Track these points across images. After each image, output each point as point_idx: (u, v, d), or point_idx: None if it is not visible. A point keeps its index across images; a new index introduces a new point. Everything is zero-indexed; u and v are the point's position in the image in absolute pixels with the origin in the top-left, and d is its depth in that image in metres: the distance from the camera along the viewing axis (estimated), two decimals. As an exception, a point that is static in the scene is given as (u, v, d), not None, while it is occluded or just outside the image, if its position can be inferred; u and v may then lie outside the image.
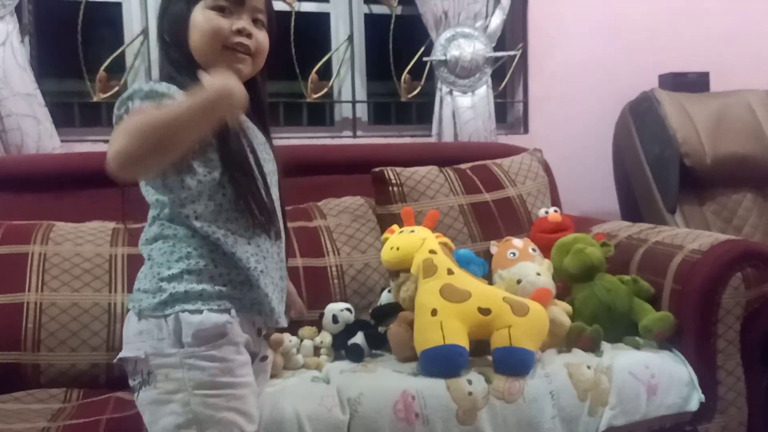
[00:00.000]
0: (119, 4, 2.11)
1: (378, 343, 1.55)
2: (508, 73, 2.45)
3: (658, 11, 2.55)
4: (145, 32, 2.10)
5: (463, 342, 1.37)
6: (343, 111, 2.36)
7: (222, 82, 0.86)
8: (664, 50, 2.53)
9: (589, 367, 1.41)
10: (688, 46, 2.54)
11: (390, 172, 1.83)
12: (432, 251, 1.54)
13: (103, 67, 2.04)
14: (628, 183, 2.19)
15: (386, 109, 2.49)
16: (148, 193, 1.07)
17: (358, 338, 1.55)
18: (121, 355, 1.03)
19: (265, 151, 1.16)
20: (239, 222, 1.04)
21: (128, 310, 1.06)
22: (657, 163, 2.07)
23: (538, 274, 1.61)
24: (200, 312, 0.99)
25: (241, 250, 1.04)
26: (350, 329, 1.58)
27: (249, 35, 1.06)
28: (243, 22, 1.06)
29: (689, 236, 1.62)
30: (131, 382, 1.04)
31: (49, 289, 1.49)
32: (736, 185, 2.13)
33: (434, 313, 1.40)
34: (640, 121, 2.15)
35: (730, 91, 2.30)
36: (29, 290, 1.48)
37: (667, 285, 1.55)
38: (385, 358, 1.50)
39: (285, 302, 1.15)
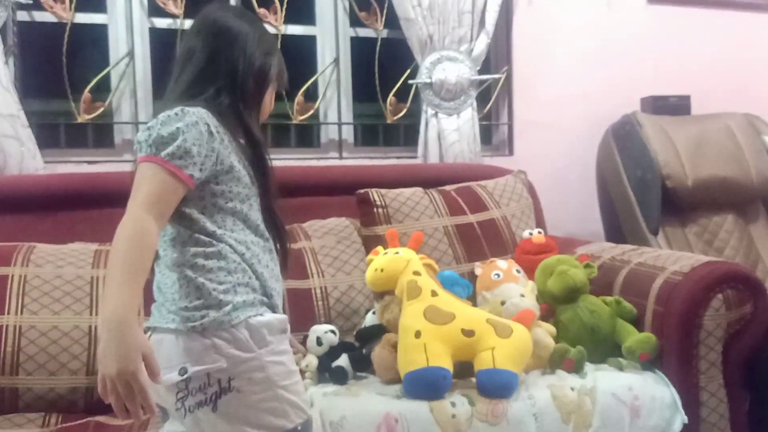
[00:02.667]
0: (104, 26, 2.12)
1: (362, 366, 1.54)
2: (493, 96, 2.48)
3: (640, 36, 2.59)
4: (130, 53, 2.10)
5: (447, 364, 1.37)
6: (329, 133, 2.37)
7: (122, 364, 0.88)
8: (647, 74, 2.57)
9: (572, 389, 1.41)
10: (669, 71, 2.59)
11: (375, 194, 1.83)
12: (416, 273, 1.54)
13: (87, 89, 2.04)
14: (611, 205, 2.21)
15: (373, 131, 2.51)
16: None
17: (343, 360, 1.54)
18: (192, 371, 0.99)
19: None
20: (259, 244, 1.12)
21: (151, 333, 1.04)
22: (639, 186, 2.09)
23: (522, 295, 1.62)
24: (262, 315, 1.06)
25: (261, 268, 1.10)
26: (334, 351, 1.57)
27: None
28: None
29: (671, 258, 1.63)
30: (189, 401, 1.00)
31: (29, 311, 1.48)
32: (717, 208, 2.15)
33: (418, 335, 1.40)
34: (622, 144, 2.18)
35: (711, 114, 2.33)
36: (8, 313, 1.47)
37: (649, 306, 1.56)
38: (370, 381, 1.50)
39: None
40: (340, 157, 2.32)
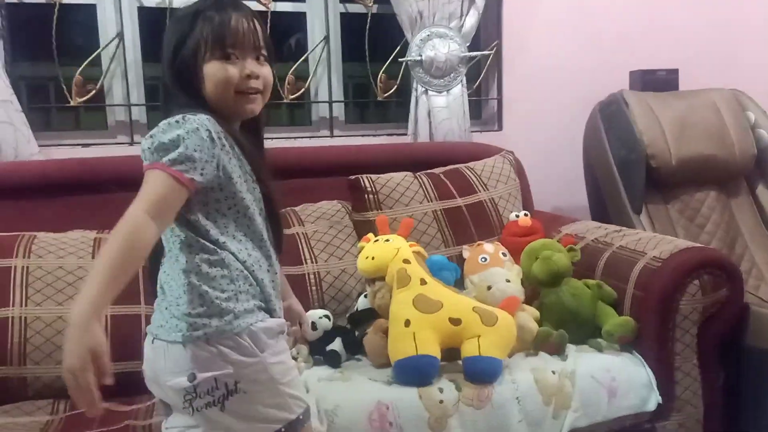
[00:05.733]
0: (93, 6, 2.10)
1: (355, 349, 1.62)
2: (482, 71, 2.49)
3: (629, 10, 2.59)
4: (120, 35, 2.10)
5: (435, 352, 1.44)
6: (320, 110, 2.39)
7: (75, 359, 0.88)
8: (635, 48, 2.58)
9: (553, 372, 1.49)
10: (658, 44, 2.60)
11: (365, 180, 1.87)
12: (406, 261, 1.60)
13: (78, 72, 2.04)
14: (596, 182, 2.26)
15: (364, 106, 2.53)
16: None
17: (336, 344, 1.61)
18: (200, 378, 1.04)
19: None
20: (262, 250, 1.14)
21: (154, 339, 1.08)
22: (624, 165, 2.13)
23: (508, 280, 1.68)
24: (262, 321, 1.10)
25: (262, 274, 1.13)
26: (328, 335, 1.64)
27: (257, 76, 1.13)
28: (250, 66, 1.12)
29: (651, 242, 1.69)
30: (197, 402, 1.05)
31: (33, 303, 1.53)
32: (700, 184, 2.20)
33: (407, 324, 1.47)
34: (609, 122, 2.21)
35: (698, 90, 2.36)
36: (13, 305, 1.52)
37: (629, 291, 1.63)
38: (362, 364, 1.57)
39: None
40: (332, 136, 2.35)
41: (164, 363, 1.06)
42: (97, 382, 0.88)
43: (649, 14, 2.61)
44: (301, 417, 1.14)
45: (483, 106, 2.61)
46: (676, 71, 2.51)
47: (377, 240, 1.68)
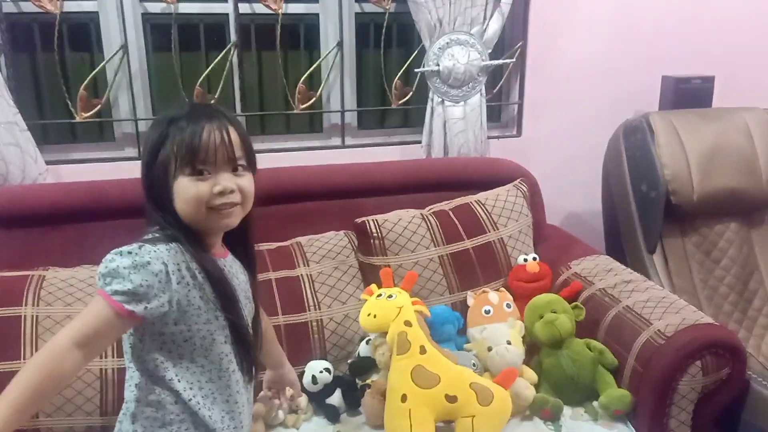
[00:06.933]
0: (95, 14, 2.01)
1: (355, 402, 1.66)
2: (504, 75, 2.37)
3: (663, 14, 2.40)
4: (124, 47, 2.01)
5: (429, 430, 1.48)
6: (332, 116, 2.31)
7: None
8: (670, 51, 2.42)
9: (545, 448, 1.53)
10: (694, 50, 2.43)
11: (372, 224, 1.84)
12: (407, 323, 1.60)
13: (82, 86, 1.98)
14: (614, 212, 2.19)
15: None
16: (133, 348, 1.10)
17: (335, 398, 1.66)
18: None
19: (245, 294, 1.20)
20: (221, 380, 1.11)
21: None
22: (643, 202, 2.05)
23: (509, 342, 1.68)
24: None
25: (213, 410, 1.11)
26: (328, 387, 1.69)
27: (232, 191, 1.08)
28: (223, 182, 1.07)
29: (658, 308, 1.66)
30: None
31: (43, 356, 1.58)
32: (721, 216, 2.12)
33: (404, 399, 1.49)
34: (632, 152, 2.11)
35: (730, 109, 2.22)
36: (24, 358, 1.57)
37: (629, 362, 1.62)
38: (360, 420, 1.62)
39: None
40: (343, 145, 2.29)
41: None
42: None
43: (685, 16, 2.42)
44: None
45: (503, 108, 2.50)
46: (712, 79, 2.36)
47: (380, 295, 1.68)
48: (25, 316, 1.61)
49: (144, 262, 1.00)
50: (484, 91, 2.26)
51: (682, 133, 2.09)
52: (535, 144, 2.42)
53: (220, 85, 2.10)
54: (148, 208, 1.12)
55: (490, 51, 2.23)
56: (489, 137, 2.34)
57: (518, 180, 2.08)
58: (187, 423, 1.09)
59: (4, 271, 1.70)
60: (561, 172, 2.41)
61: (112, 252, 1.02)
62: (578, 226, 2.42)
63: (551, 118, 2.42)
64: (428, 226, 1.88)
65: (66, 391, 1.56)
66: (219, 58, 2.07)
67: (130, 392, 1.12)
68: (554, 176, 2.35)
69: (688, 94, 2.32)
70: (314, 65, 2.21)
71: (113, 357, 1.60)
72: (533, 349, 1.76)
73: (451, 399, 1.50)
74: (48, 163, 1.98)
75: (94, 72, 2.00)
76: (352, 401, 1.66)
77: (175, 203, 1.07)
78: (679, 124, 2.12)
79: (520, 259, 1.91)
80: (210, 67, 2.07)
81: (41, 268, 1.73)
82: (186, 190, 1.06)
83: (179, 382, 1.08)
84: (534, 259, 1.91)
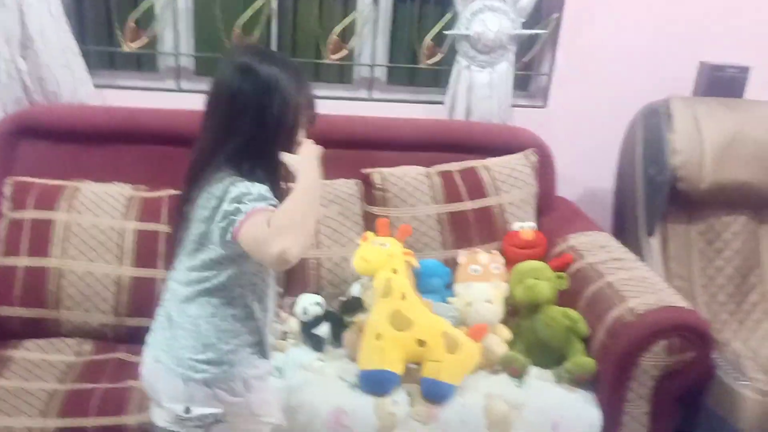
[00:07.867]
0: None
1: (340, 337, 1.80)
2: (536, 46, 2.39)
3: (704, -1, 2.36)
4: (174, -16, 2.15)
5: (397, 369, 1.61)
6: (362, 69, 2.40)
7: (310, 153, 1.18)
8: (709, 41, 2.37)
9: (504, 402, 1.63)
10: (733, 36, 2.37)
11: (377, 175, 1.95)
12: (394, 270, 1.72)
13: (132, 19, 2.13)
14: (622, 192, 2.22)
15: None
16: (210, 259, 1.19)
17: (322, 330, 1.80)
18: (194, 412, 1.20)
19: None
20: (271, 303, 1.29)
21: (155, 357, 1.24)
22: (649, 185, 2.07)
23: (488, 301, 1.78)
24: (256, 367, 1.26)
25: (260, 313, 1.26)
26: (318, 319, 1.83)
27: None
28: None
29: (639, 287, 1.72)
30: (187, 425, 1.22)
31: (69, 257, 1.78)
32: (731, 208, 2.12)
33: (379, 337, 1.62)
34: (646, 135, 2.12)
35: (759, 101, 2.19)
36: (53, 255, 1.78)
37: (599, 334, 1.70)
38: (341, 353, 1.76)
39: None
40: (370, 98, 2.38)
41: (163, 386, 1.23)
42: None
43: (731, 2, 2.37)
44: None
45: (532, 79, 2.53)
46: (746, 69, 2.32)
47: (374, 242, 1.79)
48: (57, 220, 1.81)
49: (264, 194, 1.12)
50: (513, 59, 2.29)
51: (703, 121, 2.09)
52: (560, 117, 2.44)
53: (259, 29, 2.21)
54: (240, 152, 1.16)
55: (524, 20, 2.26)
56: (514, 105, 2.38)
57: (530, 150, 2.14)
58: (254, 334, 1.25)
59: (46, 179, 1.91)
60: (582, 147, 2.43)
61: (243, 185, 1.12)
62: (591, 202, 2.45)
63: (579, 92, 2.43)
64: (431, 184, 1.97)
65: (86, 289, 1.77)
66: (260, 1, 2.18)
67: (198, 308, 1.21)
68: (574, 150, 2.38)
69: (721, 82, 2.29)
70: (349, 18, 2.28)
71: (130, 265, 1.80)
72: (514, 311, 1.85)
73: (421, 343, 1.62)
74: (97, 87, 2.15)
75: (144, 5, 2.14)
76: (338, 336, 1.80)
77: (290, 150, 1.19)
78: (701, 111, 2.12)
79: (516, 226, 1.99)
80: (251, 10, 2.18)
81: (77, 180, 1.92)
82: (302, 141, 1.24)
83: (249, 297, 1.23)
84: (531, 227, 1.98)
